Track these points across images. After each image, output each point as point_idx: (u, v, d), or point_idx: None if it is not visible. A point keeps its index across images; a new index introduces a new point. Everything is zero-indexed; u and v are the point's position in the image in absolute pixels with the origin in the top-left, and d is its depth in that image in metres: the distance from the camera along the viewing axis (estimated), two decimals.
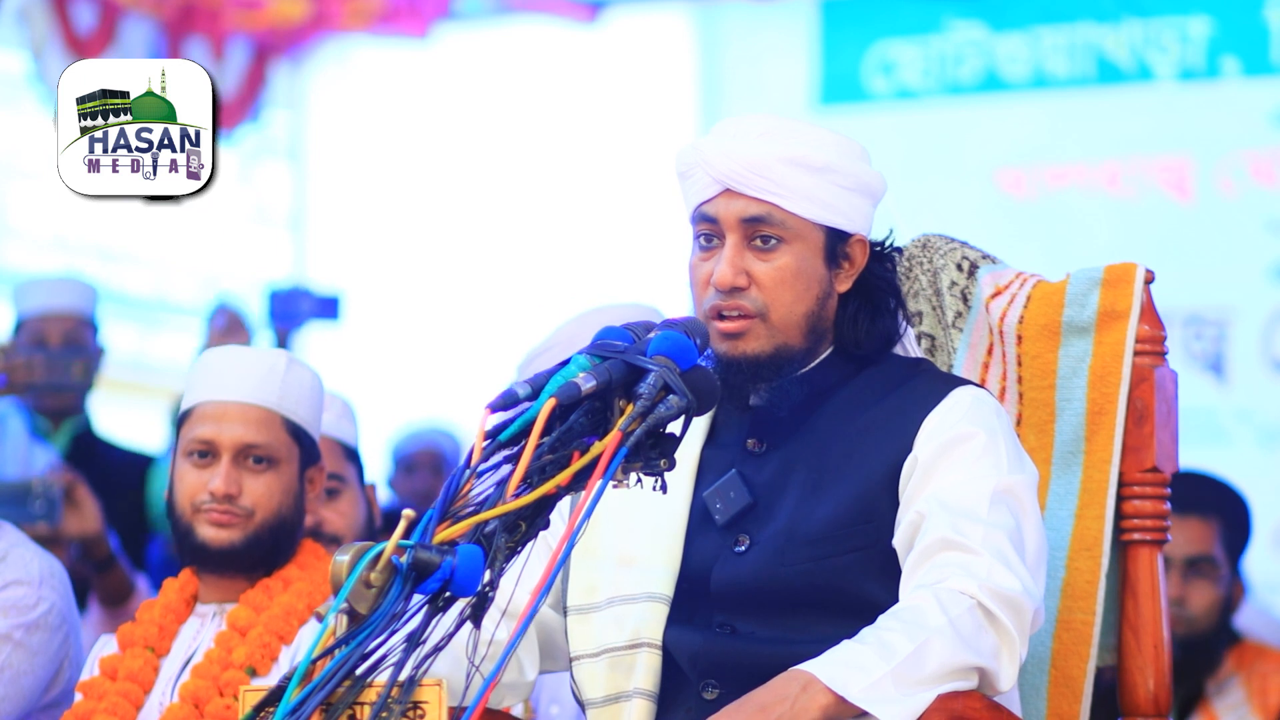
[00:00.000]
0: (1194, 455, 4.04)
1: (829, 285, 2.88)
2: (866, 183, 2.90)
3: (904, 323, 2.98)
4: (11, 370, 5.11)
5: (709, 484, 2.89)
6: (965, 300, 3.08)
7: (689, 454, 2.89)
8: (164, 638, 3.47)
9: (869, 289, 2.92)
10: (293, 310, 6.31)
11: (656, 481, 2.55)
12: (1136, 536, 2.97)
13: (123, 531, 4.95)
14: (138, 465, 5.86)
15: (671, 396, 2.51)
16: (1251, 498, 4.98)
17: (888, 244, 2.99)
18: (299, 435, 3.47)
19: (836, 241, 2.88)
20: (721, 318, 2.86)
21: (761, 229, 2.84)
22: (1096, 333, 2.97)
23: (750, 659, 2.76)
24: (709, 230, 2.88)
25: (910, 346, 3.01)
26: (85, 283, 5.82)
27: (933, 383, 2.88)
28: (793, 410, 2.88)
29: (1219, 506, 4.79)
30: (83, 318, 5.55)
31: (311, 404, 3.51)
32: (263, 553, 3.44)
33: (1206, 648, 4.75)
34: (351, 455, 4.03)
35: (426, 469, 7.32)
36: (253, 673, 3.34)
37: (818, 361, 2.91)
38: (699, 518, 2.89)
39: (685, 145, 2.91)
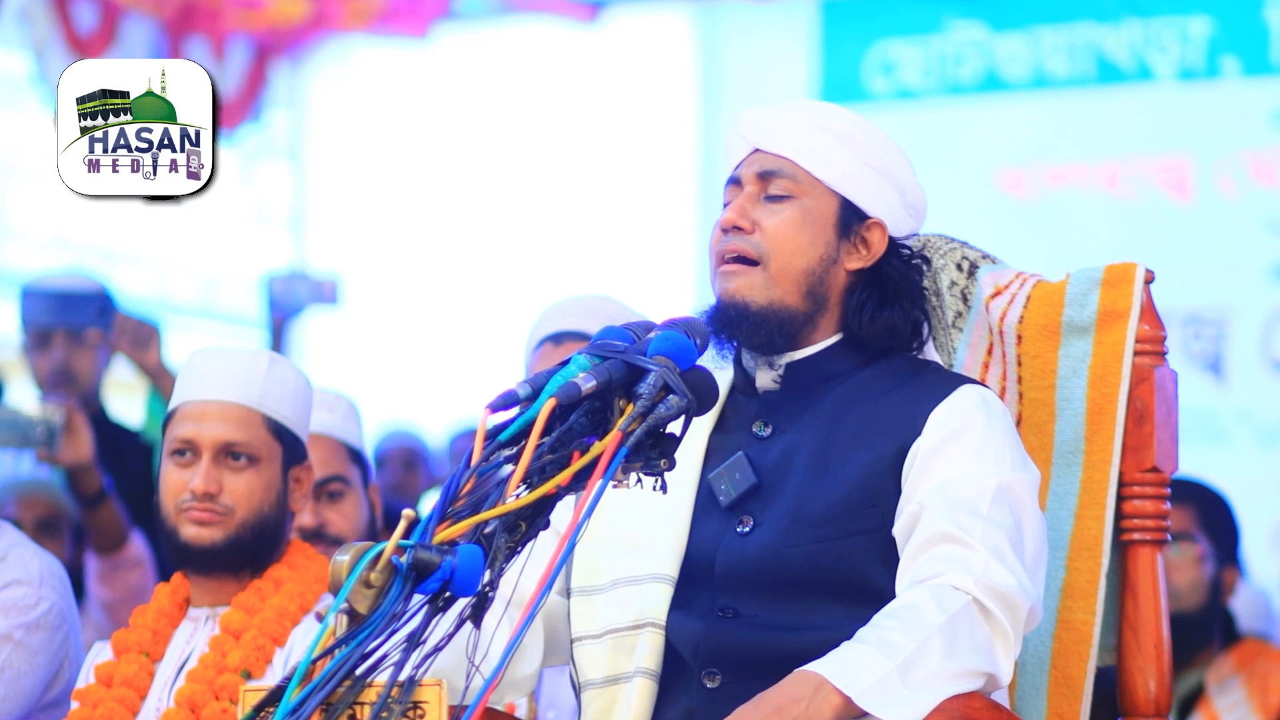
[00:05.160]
0: (1194, 455, 4.04)
1: (835, 252, 2.91)
2: (893, 171, 2.94)
3: (926, 329, 2.98)
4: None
5: (715, 468, 2.89)
6: (965, 300, 3.08)
7: (697, 439, 2.90)
8: (158, 642, 3.46)
9: (882, 280, 2.93)
10: (291, 296, 6.30)
11: (656, 481, 2.56)
12: (1136, 536, 2.97)
13: (139, 514, 4.94)
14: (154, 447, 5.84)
15: (671, 396, 2.52)
16: (1251, 498, 4.98)
17: (915, 247, 2.99)
18: (281, 434, 3.46)
19: (852, 217, 2.91)
20: (724, 261, 2.90)
21: (775, 181, 2.90)
22: (1096, 333, 2.97)
23: (753, 644, 2.76)
24: (732, 193, 2.95)
25: (930, 355, 3.02)
26: (95, 280, 5.82)
27: (941, 379, 2.90)
28: (800, 395, 2.89)
29: (1190, 495, 4.78)
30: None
31: (296, 403, 3.50)
32: (246, 552, 3.43)
33: (1195, 625, 4.74)
34: (356, 456, 4.04)
35: (399, 464, 7.36)
36: (248, 675, 3.33)
37: (826, 347, 2.92)
38: (704, 501, 2.90)
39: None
